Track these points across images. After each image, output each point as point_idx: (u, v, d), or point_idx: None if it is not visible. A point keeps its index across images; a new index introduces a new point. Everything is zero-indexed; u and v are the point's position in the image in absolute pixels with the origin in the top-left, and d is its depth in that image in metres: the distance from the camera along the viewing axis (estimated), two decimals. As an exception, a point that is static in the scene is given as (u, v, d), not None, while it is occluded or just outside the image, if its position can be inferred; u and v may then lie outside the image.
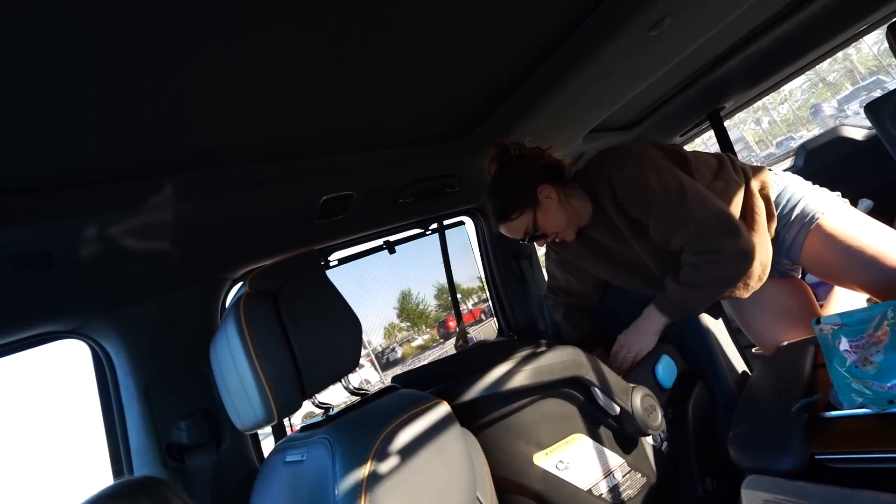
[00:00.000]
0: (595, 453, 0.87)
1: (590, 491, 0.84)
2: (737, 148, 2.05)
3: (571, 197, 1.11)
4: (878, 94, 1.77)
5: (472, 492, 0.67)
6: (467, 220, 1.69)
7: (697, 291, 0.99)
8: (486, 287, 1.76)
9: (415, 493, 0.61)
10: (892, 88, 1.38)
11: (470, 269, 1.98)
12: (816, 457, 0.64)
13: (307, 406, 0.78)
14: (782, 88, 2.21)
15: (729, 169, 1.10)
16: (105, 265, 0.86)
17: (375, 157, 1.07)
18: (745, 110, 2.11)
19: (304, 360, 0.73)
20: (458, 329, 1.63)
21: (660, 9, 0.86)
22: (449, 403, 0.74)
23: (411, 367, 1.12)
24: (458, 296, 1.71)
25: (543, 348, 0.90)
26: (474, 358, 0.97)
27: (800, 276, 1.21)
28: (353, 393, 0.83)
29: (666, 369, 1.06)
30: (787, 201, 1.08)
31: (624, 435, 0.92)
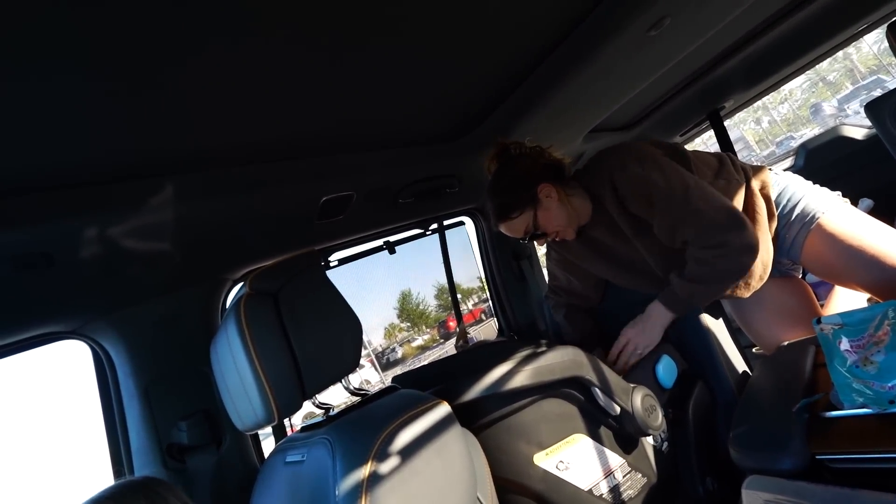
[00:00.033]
0: (595, 453, 0.87)
1: (590, 491, 0.84)
2: (737, 147, 2.05)
3: (572, 196, 1.11)
4: (878, 93, 1.78)
5: (472, 492, 0.67)
6: (467, 220, 1.69)
7: (703, 286, 0.99)
8: (486, 287, 1.76)
9: (415, 493, 0.61)
10: (892, 88, 1.38)
11: (470, 270, 1.98)
12: (817, 457, 0.64)
13: (307, 406, 0.78)
14: (782, 88, 2.21)
15: (730, 168, 1.10)
16: (106, 266, 0.86)
17: (375, 158, 1.07)
18: (745, 110, 2.11)
19: (305, 360, 0.73)
20: (458, 329, 1.63)
21: (659, 9, 0.86)
22: (449, 404, 0.74)
23: (411, 367, 1.12)
24: (459, 296, 1.71)
25: (544, 348, 0.90)
26: (474, 358, 0.97)
27: (800, 276, 1.21)
28: (353, 393, 0.83)
29: (666, 369, 1.05)
30: (788, 201, 1.08)
31: (624, 435, 0.92)
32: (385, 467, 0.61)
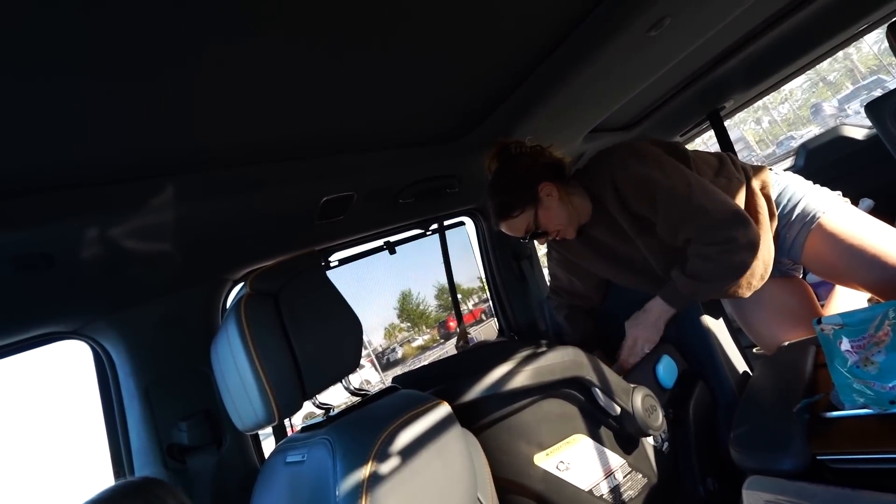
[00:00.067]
0: (596, 454, 0.87)
1: (591, 492, 0.84)
2: (737, 147, 2.05)
3: (572, 195, 1.11)
4: (878, 93, 1.77)
5: (472, 492, 0.66)
6: (467, 220, 1.69)
7: (706, 282, 0.99)
8: (486, 287, 1.76)
9: (416, 493, 0.61)
10: (892, 88, 1.38)
11: (470, 270, 1.98)
12: (818, 457, 0.64)
13: (308, 406, 0.78)
14: (782, 88, 2.20)
15: (730, 167, 1.11)
16: (106, 266, 0.86)
17: (375, 158, 1.07)
18: (745, 110, 2.11)
19: (305, 360, 0.73)
20: (458, 329, 1.63)
21: (659, 9, 0.86)
22: (449, 404, 0.74)
23: (412, 367, 1.12)
24: (459, 296, 1.71)
25: (544, 349, 0.90)
26: (475, 358, 0.97)
27: (801, 276, 1.21)
28: (353, 393, 0.83)
29: (667, 369, 1.05)
30: (788, 200, 1.08)
31: (625, 435, 0.92)
32: (385, 468, 0.61)
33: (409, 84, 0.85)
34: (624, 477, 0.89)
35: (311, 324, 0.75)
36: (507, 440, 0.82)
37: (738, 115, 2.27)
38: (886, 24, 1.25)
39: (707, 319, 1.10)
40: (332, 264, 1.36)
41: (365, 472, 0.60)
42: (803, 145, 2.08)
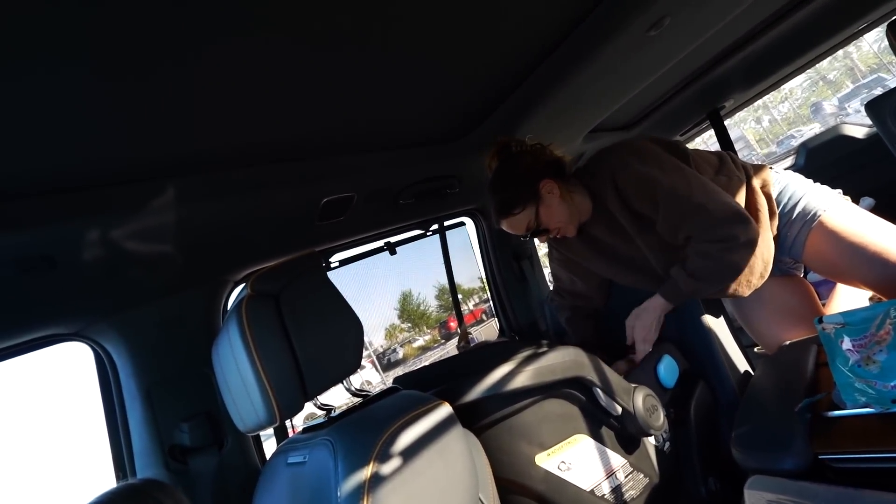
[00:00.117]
0: (597, 454, 0.87)
1: (592, 491, 0.84)
2: (737, 147, 2.05)
3: (573, 193, 1.11)
4: (878, 91, 1.77)
5: (474, 493, 0.66)
6: (468, 220, 1.69)
7: (706, 280, 0.99)
8: (486, 288, 1.76)
9: (417, 494, 0.61)
10: (892, 86, 1.38)
11: (471, 270, 1.98)
12: (820, 457, 0.64)
13: (309, 407, 0.78)
14: (783, 87, 2.20)
15: (730, 165, 1.11)
16: (107, 268, 0.86)
17: (376, 159, 1.07)
18: (745, 109, 2.11)
19: (306, 361, 0.73)
20: (459, 330, 1.63)
21: (659, 8, 0.86)
22: (451, 404, 0.74)
23: (413, 367, 1.12)
24: (459, 296, 1.71)
25: (545, 349, 0.90)
26: (476, 359, 0.97)
27: (802, 275, 1.20)
28: (354, 394, 0.83)
29: (668, 369, 1.05)
30: (789, 199, 1.08)
31: (626, 435, 0.92)
32: (387, 468, 0.61)
33: (410, 84, 0.85)
34: (625, 477, 0.89)
35: (312, 325, 0.76)
36: (509, 440, 0.82)
37: (738, 114, 2.27)
38: (886, 23, 1.25)
39: (708, 319, 1.10)
40: (332, 265, 1.36)
41: (366, 472, 0.60)
42: (803, 144, 2.08)
